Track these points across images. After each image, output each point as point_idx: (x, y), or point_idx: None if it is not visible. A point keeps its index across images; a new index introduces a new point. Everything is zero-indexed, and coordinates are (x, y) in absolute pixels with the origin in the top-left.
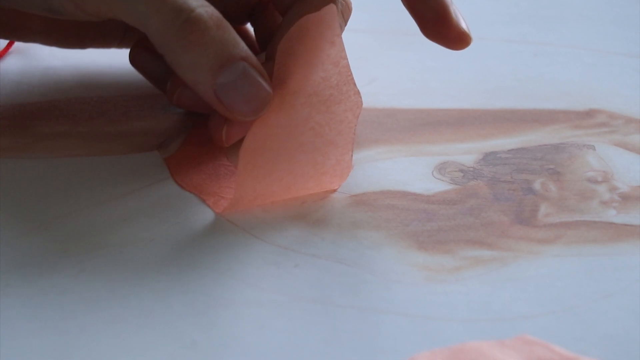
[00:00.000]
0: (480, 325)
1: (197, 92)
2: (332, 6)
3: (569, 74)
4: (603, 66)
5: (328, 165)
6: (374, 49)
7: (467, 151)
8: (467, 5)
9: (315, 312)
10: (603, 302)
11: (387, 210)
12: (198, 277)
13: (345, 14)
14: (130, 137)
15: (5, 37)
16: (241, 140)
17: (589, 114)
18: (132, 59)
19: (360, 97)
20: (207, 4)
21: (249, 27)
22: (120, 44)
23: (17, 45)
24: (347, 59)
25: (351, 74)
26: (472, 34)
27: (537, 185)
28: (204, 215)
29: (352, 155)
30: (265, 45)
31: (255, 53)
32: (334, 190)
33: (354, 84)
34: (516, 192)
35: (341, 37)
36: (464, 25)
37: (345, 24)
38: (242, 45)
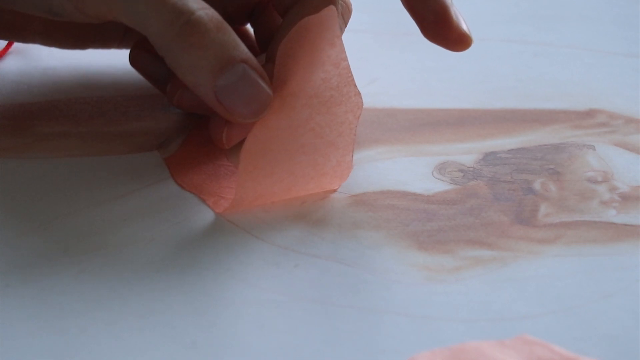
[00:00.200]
0: (480, 325)
1: (197, 94)
2: (332, 7)
3: (569, 74)
4: (603, 66)
5: (328, 166)
6: (374, 49)
7: (467, 151)
8: (467, 6)
9: (315, 312)
10: (603, 302)
11: (387, 210)
12: (198, 277)
13: (345, 16)
14: (130, 137)
15: (5, 38)
16: (242, 142)
17: (589, 114)
18: (132, 60)
19: (361, 98)
20: (207, 6)
21: (249, 27)
22: (120, 45)
23: (17, 45)
24: (347, 60)
25: (351, 75)
26: (473, 34)
27: (537, 185)
28: (204, 215)
29: (352, 156)
30: (265, 46)
31: (255, 54)
32: (334, 190)
33: (355, 85)
34: (516, 192)
35: (341, 39)
36: (464, 26)
37: (346, 25)
38: (243, 47)
